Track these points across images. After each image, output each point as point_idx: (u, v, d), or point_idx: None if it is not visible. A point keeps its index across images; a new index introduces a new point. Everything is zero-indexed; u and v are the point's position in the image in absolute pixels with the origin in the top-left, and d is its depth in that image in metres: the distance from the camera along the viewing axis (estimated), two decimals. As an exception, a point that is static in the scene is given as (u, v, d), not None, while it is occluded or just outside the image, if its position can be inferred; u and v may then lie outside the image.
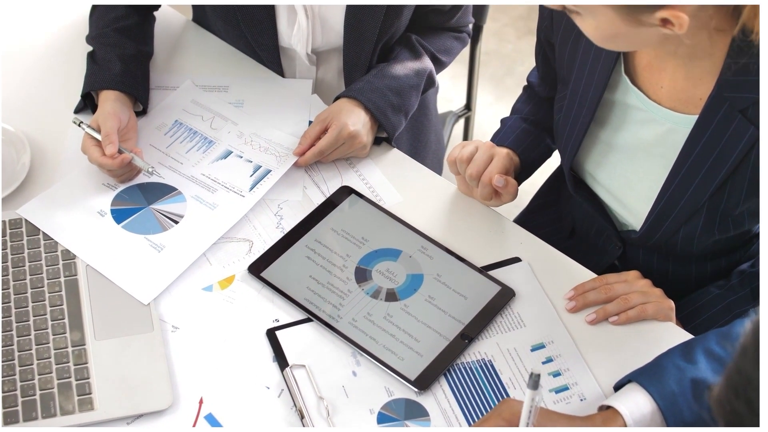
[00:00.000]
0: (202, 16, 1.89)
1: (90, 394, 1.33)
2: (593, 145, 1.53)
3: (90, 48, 1.73)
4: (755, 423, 0.78)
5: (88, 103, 1.69)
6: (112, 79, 1.64)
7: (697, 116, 1.36)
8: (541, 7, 1.53)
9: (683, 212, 1.44)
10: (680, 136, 1.39)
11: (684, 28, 1.20)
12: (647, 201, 1.48)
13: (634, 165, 1.49)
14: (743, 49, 1.26)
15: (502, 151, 1.53)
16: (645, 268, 1.56)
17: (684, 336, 1.43)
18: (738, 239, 1.55)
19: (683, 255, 1.56)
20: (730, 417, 0.81)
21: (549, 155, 1.71)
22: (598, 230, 1.64)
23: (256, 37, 1.74)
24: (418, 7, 1.76)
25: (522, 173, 1.64)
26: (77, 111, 1.71)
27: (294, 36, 1.73)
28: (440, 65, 1.85)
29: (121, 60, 1.67)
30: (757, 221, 1.47)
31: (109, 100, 1.61)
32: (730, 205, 1.41)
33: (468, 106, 2.37)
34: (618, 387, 1.32)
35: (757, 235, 1.58)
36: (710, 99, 1.33)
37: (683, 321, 1.52)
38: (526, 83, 1.75)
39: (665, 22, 1.20)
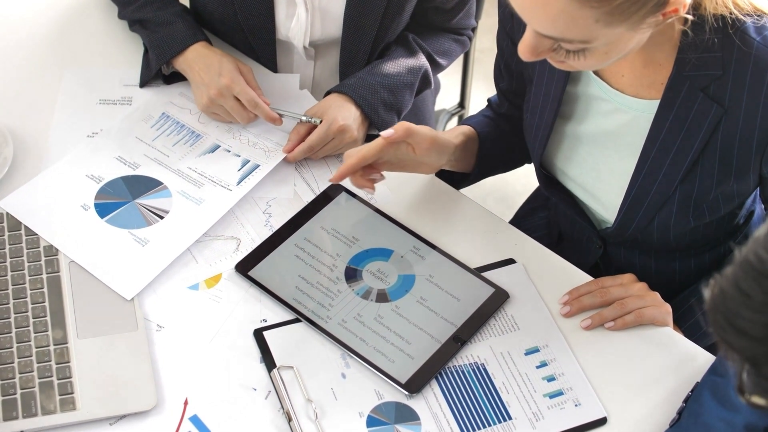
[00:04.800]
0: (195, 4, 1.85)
1: (72, 393, 1.32)
2: (561, 140, 1.52)
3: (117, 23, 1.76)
4: (738, 302, 0.80)
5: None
6: (188, 34, 1.65)
7: (659, 100, 1.35)
8: (500, 8, 1.49)
9: (655, 200, 1.43)
10: (646, 122, 1.39)
11: (686, 7, 1.18)
12: (619, 192, 1.47)
13: (603, 156, 1.47)
14: (698, 25, 1.25)
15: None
16: (627, 266, 1.55)
17: (682, 341, 1.42)
18: (719, 230, 1.53)
19: (663, 249, 1.55)
20: (718, 300, 0.83)
21: (513, 149, 1.66)
22: (579, 230, 1.63)
23: (252, 30, 1.72)
24: (418, 5, 1.73)
25: (486, 161, 1.61)
26: (143, 84, 1.71)
27: (292, 29, 1.71)
28: (437, 67, 1.81)
29: (178, 16, 1.68)
30: (734, 205, 1.45)
31: (204, 55, 1.64)
32: (703, 190, 1.40)
33: (462, 104, 2.36)
34: None
35: (740, 227, 1.57)
36: (670, 80, 1.33)
37: (676, 322, 1.50)
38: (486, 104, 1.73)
39: (666, 14, 1.17)
